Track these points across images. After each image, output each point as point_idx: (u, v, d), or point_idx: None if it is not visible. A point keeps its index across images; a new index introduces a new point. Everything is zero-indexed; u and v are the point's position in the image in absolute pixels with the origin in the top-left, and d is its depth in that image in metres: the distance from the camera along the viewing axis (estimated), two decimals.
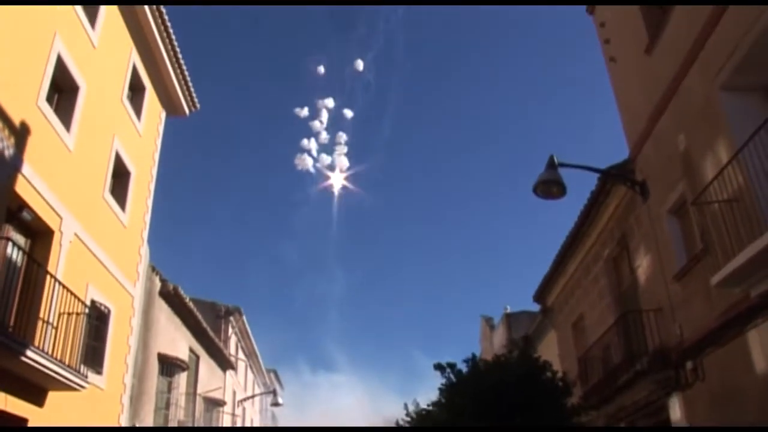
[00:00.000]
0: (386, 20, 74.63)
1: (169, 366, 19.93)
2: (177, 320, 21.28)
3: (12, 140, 10.49)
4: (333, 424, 40.61)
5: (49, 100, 11.93)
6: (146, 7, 15.79)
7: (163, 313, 19.73)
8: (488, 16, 75.32)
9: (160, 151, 18.67)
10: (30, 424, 10.80)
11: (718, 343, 9.09)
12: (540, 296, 19.45)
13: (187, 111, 19.89)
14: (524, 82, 79.03)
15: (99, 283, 13.90)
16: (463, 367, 12.62)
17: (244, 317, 31.50)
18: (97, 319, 13.81)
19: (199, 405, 23.57)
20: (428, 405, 13.52)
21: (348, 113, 59.61)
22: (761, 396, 8.16)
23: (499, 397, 11.30)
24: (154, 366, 18.71)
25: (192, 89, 19.41)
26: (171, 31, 16.97)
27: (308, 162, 51.89)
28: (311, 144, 50.84)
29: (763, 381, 8.14)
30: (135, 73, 16.49)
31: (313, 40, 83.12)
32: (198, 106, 20.20)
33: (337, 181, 52.24)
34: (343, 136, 52.69)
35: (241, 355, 33.62)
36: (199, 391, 23.67)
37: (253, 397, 35.52)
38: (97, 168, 14.16)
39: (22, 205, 10.88)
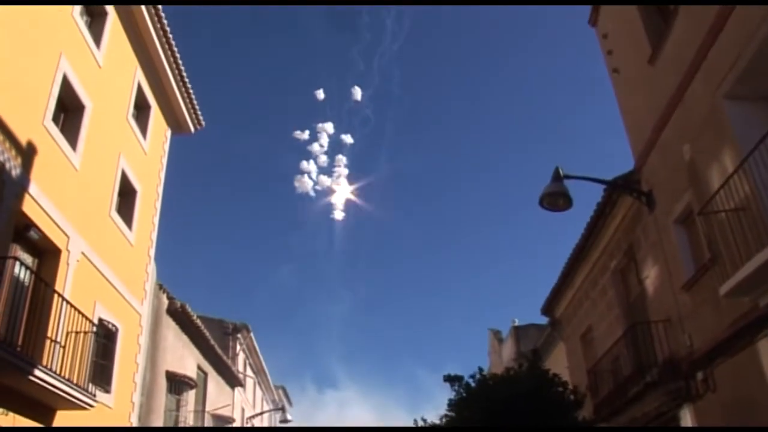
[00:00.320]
0: (380, 56, 75.85)
1: (177, 384, 19.89)
2: (185, 338, 21.25)
3: (19, 160, 10.56)
4: None
5: (56, 119, 12.01)
6: (150, 25, 15.91)
7: (170, 330, 19.71)
8: (489, 23, 75.59)
9: (166, 169, 18.75)
10: None
11: (729, 353, 9.02)
12: (548, 309, 19.35)
13: (192, 129, 19.97)
14: (528, 93, 79.20)
15: (106, 302, 13.91)
16: (472, 381, 12.56)
17: (252, 334, 31.43)
18: (105, 338, 13.80)
19: (208, 422, 23.48)
20: (442, 418, 13.44)
21: (347, 139, 59.73)
22: None
23: (509, 411, 11.22)
24: (162, 384, 18.67)
25: (197, 107, 19.50)
26: (175, 49, 17.09)
27: (308, 184, 52.16)
28: (310, 166, 51.07)
29: None
30: (140, 91, 16.60)
31: (313, 70, 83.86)
32: (203, 123, 20.27)
33: (339, 201, 52.52)
34: (343, 159, 52.91)
35: (249, 372, 33.53)
36: (207, 408, 23.59)
37: (261, 413, 35.35)
38: (104, 186, 14.22)
39: (29, 224, 10.92)
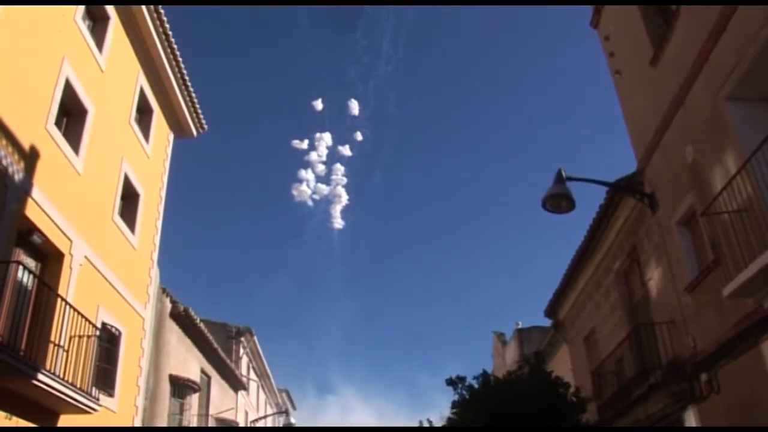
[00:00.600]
0: (375, 79, 76.23)
1: (180, 387, 19.90)
2: (188, 341, 21.26)
3: (21, 164, 10.58)
4: None
5: (58, 123, 12.04)
6: (152, 28, 15.93)
7: (174, 334, 19.72)
8: (492, 21, 75.70)
9: (168, 172, 18.77)
10: None
11: (733, 354, 8.98)
12: (551, 311, 19.32)
13: (194, 132, 19.98)
14: (530, 95, 79.21)
15: (110, 306, 13.92)
16: (475, 383, 12.56)
17: (256, 338, 31.44)
18: (108, 342, 13.82)
19: (212, 426, 23.48)
20: (448, 418, 13.43)
21: (345, 150, 59.66)
22: None
23: (512, 413, 11.21)
24: (165, 388, 18.68)
25: (199, 110, 19.51)
26: (178, 52, 17.11)
27: (305, 192, 52.24)
28: (308, 174, 51.11)
29: None
30: (142, 95, 16.63)
31: (312, 81, 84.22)
32: (205, 126, 20.29)
33: (337, 209, 52.65)
34: (341, 169, 52.94)
35: (252, 375, 33.52)
36: (211, 412, 23.59)
37: (265, 417, 35.34)
38: (106, 190, 14.24)
39: (32, 228, 10.94)
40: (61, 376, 10.46)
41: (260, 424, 33.08)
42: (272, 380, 39.22)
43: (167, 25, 16.24)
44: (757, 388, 8.49)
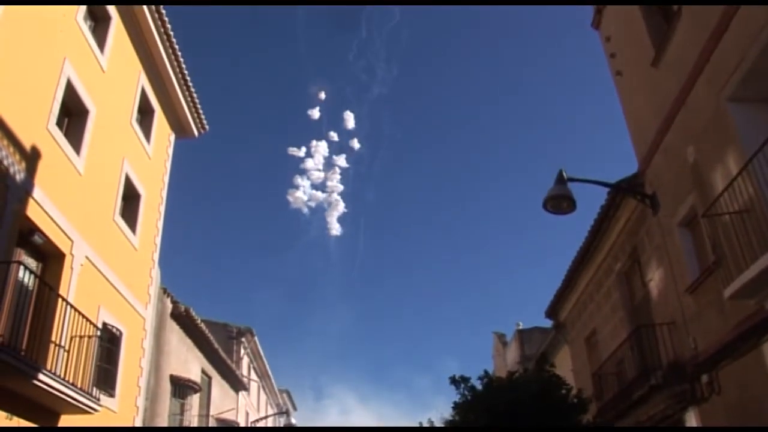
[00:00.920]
0: (369, 103, 76.40)
1: (181, 388, 19.90)
2: (189, 342, 21.26)
3: (23, 164, 10.58)
4: None
5: (59, 124, 12.04)
6: (154, 29, 15.94)
7: (174, 334, 19.72)
8: (490, 19, 75.69)
9: (170, 173, 18.77)
10: None
11: (734, 355, 8.97)
12: (552, 312, 19.30)
13: (196, 132, 19.96)
14: (531, 96, 79.20)
15: (110, 306, 13.92)
16: (477, 384, 12.54)
17: (256, 338, 31.44)
18: (109, 342, 13.82)
19: (213, 426, 23.47)
20: (450, 419, 13.40)
21: (341, 161, 59.85)
22: None
23: (514, 414, 11.20)
24: (166, 388, 18.68)
25: (200, 110, 19.50)
26: (179, 53, 17.11)
27: (301, 198, 52.36)
28: (304, 181, 51.22)
29: None
30: (144, 95, 16.63)
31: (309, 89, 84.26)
32: (207, 127, 20.26)
33: (333, 215, 52.69)
34: (337, 176, 53.02)
35: (253, 375, 33.51)
36: (212, 412, 23.59)
37: (266, 417, 35.32)
38: (108, 191, 14.24)
39: (34, 228, 10.94)
40: (62, 376, 10.46)
41: (261, 424, 33.08)
42: (273, 381, 39.23)
43: (169, 26, 16.25)
44: (758, 389, 8.48)
